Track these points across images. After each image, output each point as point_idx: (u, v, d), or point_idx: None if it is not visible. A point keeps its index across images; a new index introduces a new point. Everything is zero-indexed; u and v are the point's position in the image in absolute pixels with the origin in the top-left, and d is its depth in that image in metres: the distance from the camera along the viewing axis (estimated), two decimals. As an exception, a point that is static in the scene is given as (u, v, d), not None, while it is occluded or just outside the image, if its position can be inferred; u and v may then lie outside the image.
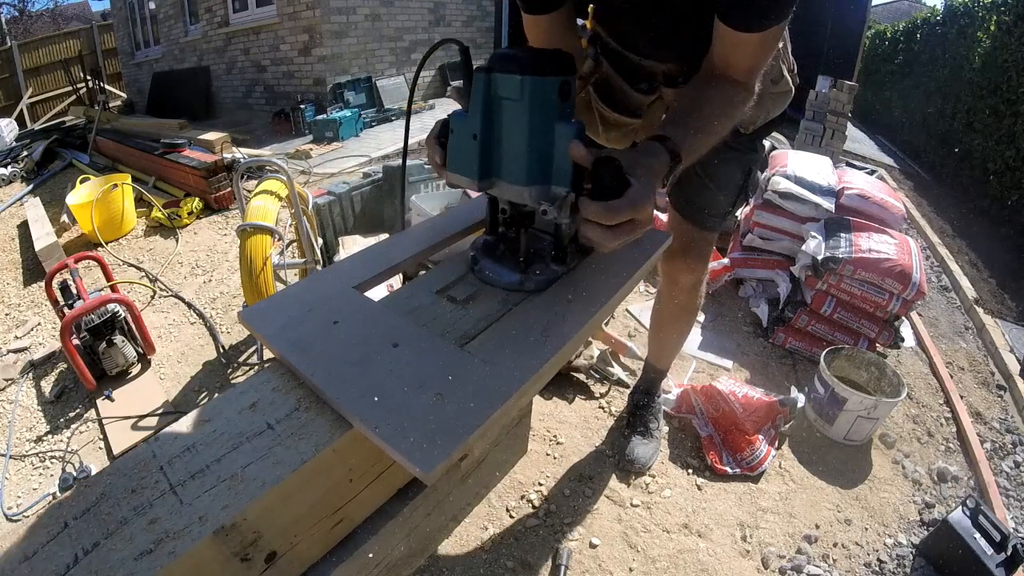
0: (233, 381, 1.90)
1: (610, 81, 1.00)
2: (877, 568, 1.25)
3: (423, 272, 0.78)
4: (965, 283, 2.66)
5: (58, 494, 1.48)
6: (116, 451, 1.57)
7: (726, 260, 2.31)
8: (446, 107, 6.41)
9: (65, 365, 1.99)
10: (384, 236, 2.51)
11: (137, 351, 1.89)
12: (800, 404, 1.63)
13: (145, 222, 3.24)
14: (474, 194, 1.43)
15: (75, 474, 1.52)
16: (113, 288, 2.13)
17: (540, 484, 1.38)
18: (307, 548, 0.59)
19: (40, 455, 1.63)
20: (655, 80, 0.95)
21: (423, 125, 5.59)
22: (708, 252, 1.22)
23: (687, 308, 1.32)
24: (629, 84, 0.97)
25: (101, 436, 1.65)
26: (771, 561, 1.24)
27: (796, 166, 2.29)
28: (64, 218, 3.28)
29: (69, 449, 1.63)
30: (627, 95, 0.99)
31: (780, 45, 0.94)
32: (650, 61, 0.94)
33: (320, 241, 2.22)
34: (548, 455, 1.49)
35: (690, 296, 1.28)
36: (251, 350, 2.01)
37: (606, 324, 2.01)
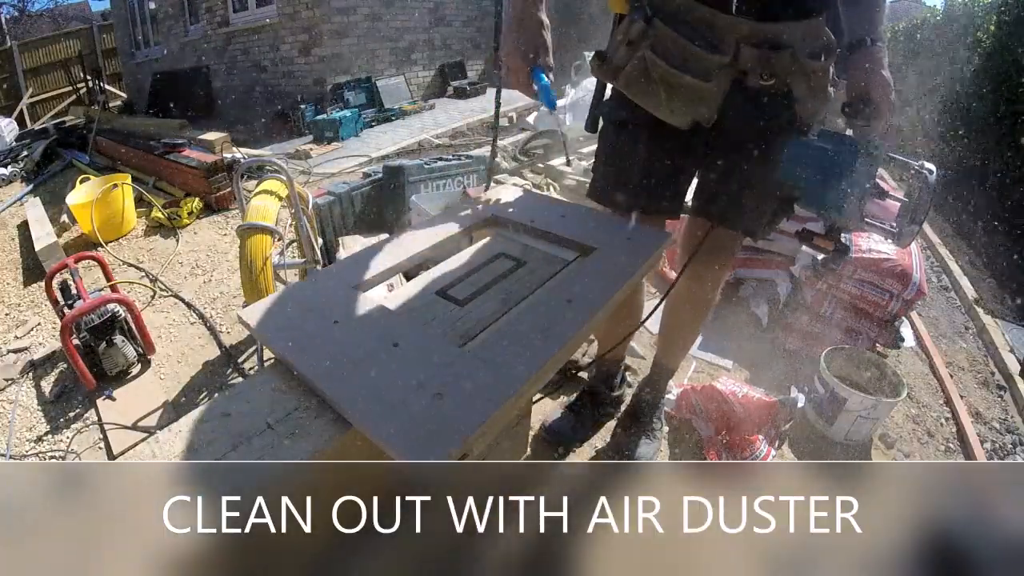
0: (233, 381, 1.90)
1: (670, 43, 0.89)
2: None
3: (423, 272, 0.78)
4: (965, 283, 2.65)
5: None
6: (116, 451, 1.57)
7: (726, 260, 2.31)
8: (447, 107, 6.41)
9: (65, 365, 1.99)
10: (384, 236, 2.51)
11: (137, 351, 1.89)
12: (800, 404, 1.63)
13: (145, 222, 3.24)
14: (473, 192, 1.41)
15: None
16: (113, 288, 2.13)
17: (540, 484, 1.39)
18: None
19: (40, 455, 1.63)
20: (725, 42, 0.88)
21: (423, 125, 5.59)
22: (737, 249, 1.22)
23: (708, 305, 1.32)
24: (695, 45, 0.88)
25: (101, 436, 1.65)
26: (771, 561, 1.24)
27: (796, 166, 2.28)
28: (64, 218, 3.28)
29: (69, 449, 1.63)
30: (695, 56, 0.88)
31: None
32: (727, 17, 0.86)
33: (320, 241, 2.21)
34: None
35: (713, 293, 1.28)
36: (251, 350, 2.01)
37: (606, 324, 2.01)
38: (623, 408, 1.63)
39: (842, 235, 0.94)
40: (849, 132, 0.92)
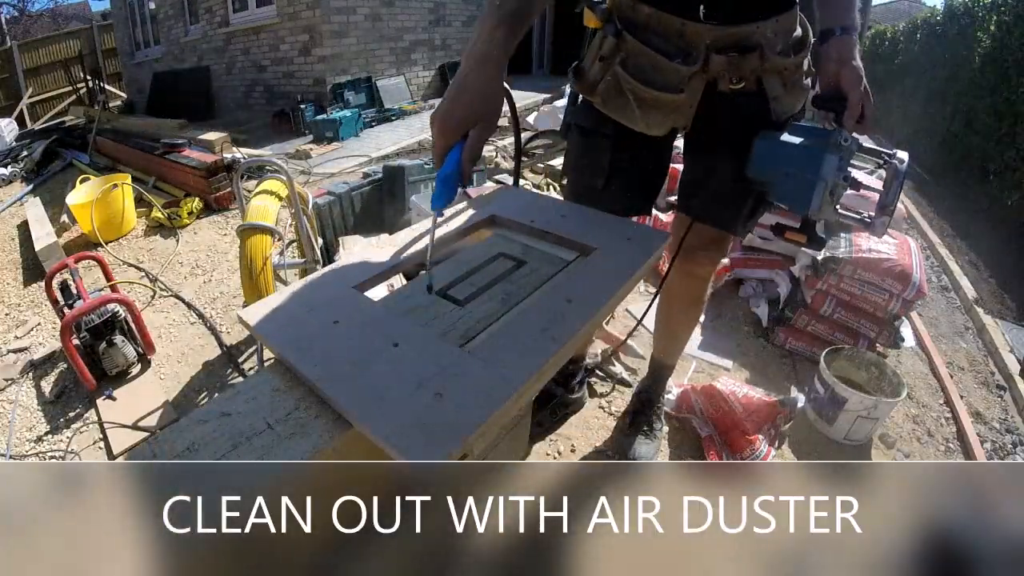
0: (233, 381, 1.90)
1: (640, 57, 0.89)
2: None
3: (423, 272, 0.78)
4: (965, 283, 2.65)
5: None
6: (116, 451, 1.57)
7: (726, 260, 2.31)
8: (446, 107, 6.41)
9: (65, 365, 1.99)
10: (384, 236, 2.51)
11: (137, 351, 1.89)
12: (800, 404, 1.63)
13: (145, 222, 3.25)
14: (473, 192, 1.41)
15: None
16: (113, 288, 2.13)
17: (540, 484, 1.39)
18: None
19: (40, 455, 1.63)
20: (696, 49, 0.87)
21: (423, 125, 5.59)
22: (728, 245, 1.22)
23: (700, 300, 1.32)
24: (665, 57, 0.87)
25: (101, 436, 1.65)
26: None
27: (796, 166, 2.28)
28: (64, 218, 3.28)
29: (69, 449, 1.63)
30: (664, 69, 0.88)
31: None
32: (696, 24, 0.86)
33: (320, 241, 2.22)
34: (548, 455, 1.49)
35: (704, 288, 1.29)
36: (251, 350, 2.01)
37: (606, 323, 2.01)
38: (620, 408, 1.63)
39: (816, 227, 0.93)
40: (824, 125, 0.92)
